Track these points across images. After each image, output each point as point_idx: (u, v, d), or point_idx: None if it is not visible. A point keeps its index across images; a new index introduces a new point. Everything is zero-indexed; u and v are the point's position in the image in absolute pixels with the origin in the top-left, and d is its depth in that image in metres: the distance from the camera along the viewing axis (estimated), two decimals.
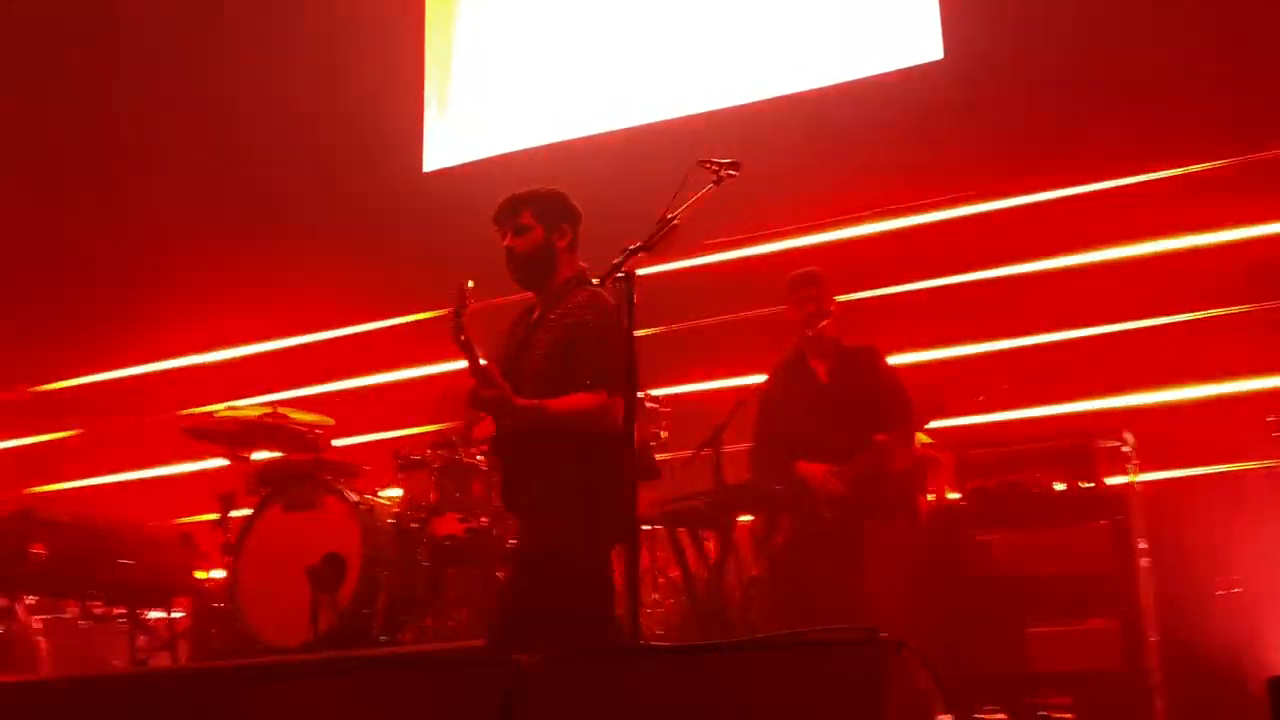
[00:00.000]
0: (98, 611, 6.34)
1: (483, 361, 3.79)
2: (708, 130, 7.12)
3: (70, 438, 8.67)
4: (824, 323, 5.23)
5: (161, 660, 6.17)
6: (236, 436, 6.08)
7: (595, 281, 3.94)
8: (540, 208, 4.08)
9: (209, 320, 7.96)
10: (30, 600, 6.24)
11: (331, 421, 6.23)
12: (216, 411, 6.20)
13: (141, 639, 6.29)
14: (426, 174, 8.46)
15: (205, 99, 8.79)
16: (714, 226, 5.01)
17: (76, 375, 8.75)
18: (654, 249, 3.61)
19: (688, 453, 5.13)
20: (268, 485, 5.75)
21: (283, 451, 6.20)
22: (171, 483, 7.18)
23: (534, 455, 3.90)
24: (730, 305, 6.58)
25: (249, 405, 6.31)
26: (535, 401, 3.84)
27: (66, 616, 6.91)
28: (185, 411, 6.38)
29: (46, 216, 7.80)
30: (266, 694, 3.54)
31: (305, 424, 6.09)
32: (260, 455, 6.15)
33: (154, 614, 6.45)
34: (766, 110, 7.13)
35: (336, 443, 6.38)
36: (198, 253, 7.88)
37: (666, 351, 5.25)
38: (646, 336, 3.72)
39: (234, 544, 5.62)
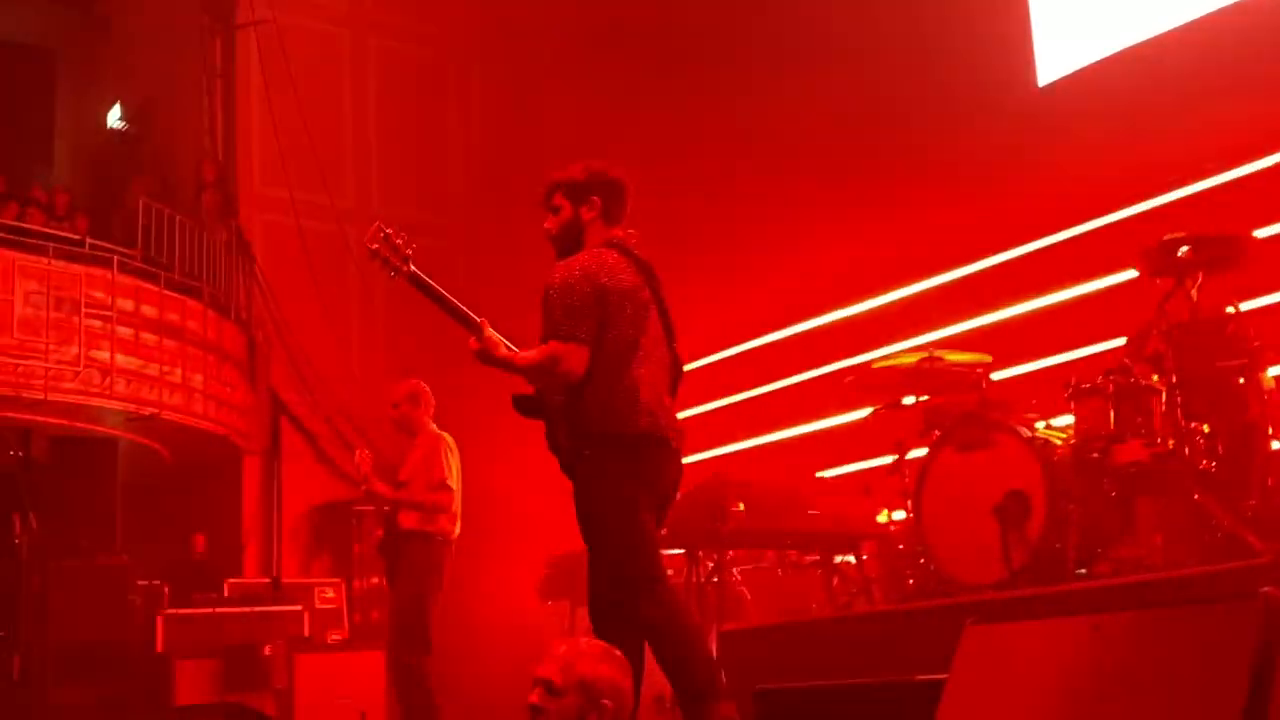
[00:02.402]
0: (792, 559, 6.82)
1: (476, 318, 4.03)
2: None
3: (747, 400, 9.36)
4: None
5: (860, 604, 6.48)
6: (897, 385, 6.22)
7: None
8: (569, 187, 4.30)
9: (855, 271, 8.17)
10: (728, 554, 6.84)
11: (989, 359, 6.16)
12: (874, 362, 6.37)
13: (836, 583, 6.66)
14: (1041, 89, 8.06)
15: (824, 39, 8.93)
16: None
17: (744, 341, 9.42)
18: None
19: None
20: (938, 427, 5.83)
21: (945, 393, 6.24)
22: (840, 433, 7.49)
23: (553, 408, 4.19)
24: None
25: (907, 350, 6.41)
26: (506, 354, 4.09)
27: (764, 566, 7.52)
28: (845, 363, 6.62)
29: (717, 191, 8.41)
30: (978, 634, 3.56)
31: (963, 364, 6.08)
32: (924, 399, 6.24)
33: (842, 559, 6.80)
34: None
35: (996, 375, 6.28)
36: (835, 207, 8.10)
37: None
38: None
39: (913, 488, 5.75)
